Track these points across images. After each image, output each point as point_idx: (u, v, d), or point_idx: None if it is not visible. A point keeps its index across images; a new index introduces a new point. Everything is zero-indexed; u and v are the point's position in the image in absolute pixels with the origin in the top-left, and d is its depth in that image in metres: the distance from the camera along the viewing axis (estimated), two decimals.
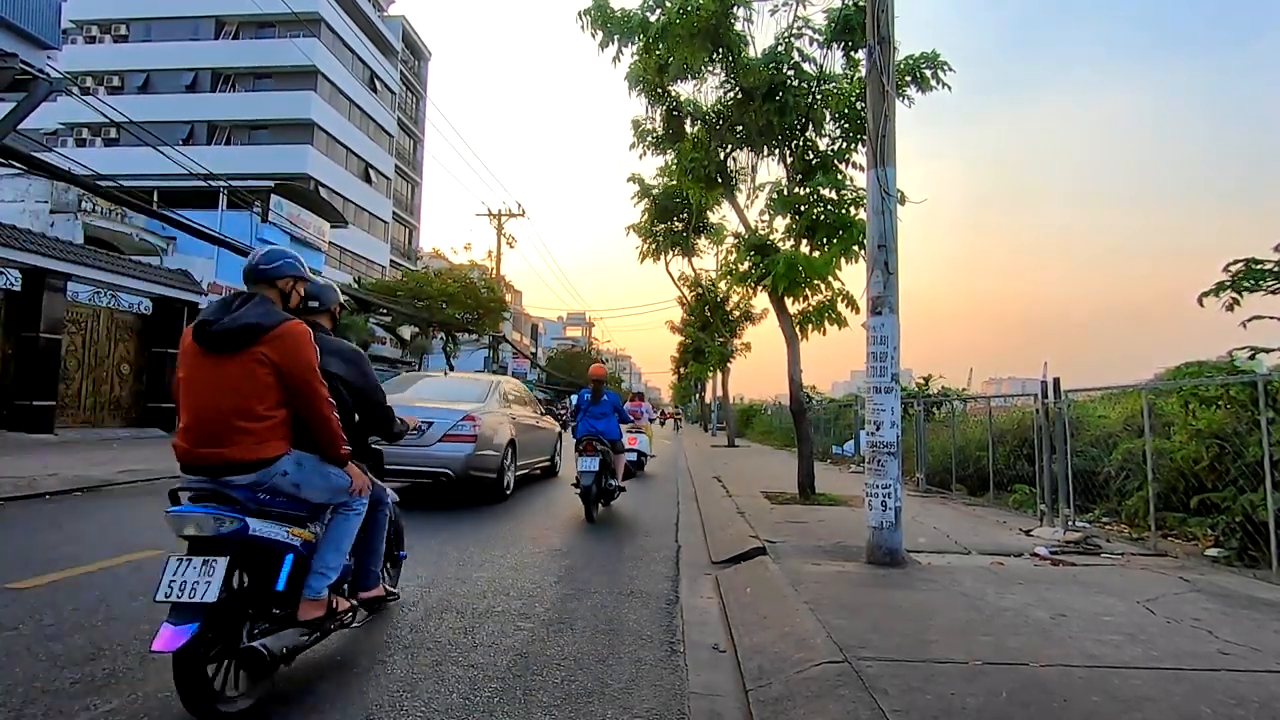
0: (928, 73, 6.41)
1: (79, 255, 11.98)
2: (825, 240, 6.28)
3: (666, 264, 14.68)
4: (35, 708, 1.90)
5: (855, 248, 5.96)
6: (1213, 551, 4.10)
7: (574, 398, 6.06)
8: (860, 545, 3.85)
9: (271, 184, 20.05)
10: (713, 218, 11.53)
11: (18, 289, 10.74)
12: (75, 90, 12.55)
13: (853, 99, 6.50)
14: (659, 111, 7.36)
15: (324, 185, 26.41)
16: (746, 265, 6.70)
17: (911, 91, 6.43)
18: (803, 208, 6.43)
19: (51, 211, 15.58)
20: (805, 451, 6.56)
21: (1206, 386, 4.54)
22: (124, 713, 1.90)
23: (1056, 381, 5.13)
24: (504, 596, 3.27)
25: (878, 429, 3.70)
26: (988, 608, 2.90)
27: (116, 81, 27.17)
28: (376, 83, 32.44)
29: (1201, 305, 4.60)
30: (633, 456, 8.45)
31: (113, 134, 25.10)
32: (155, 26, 27.99)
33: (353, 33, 29.59)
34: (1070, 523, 4.90)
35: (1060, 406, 5.08)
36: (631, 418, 7.34)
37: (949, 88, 6.49)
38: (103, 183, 12.03)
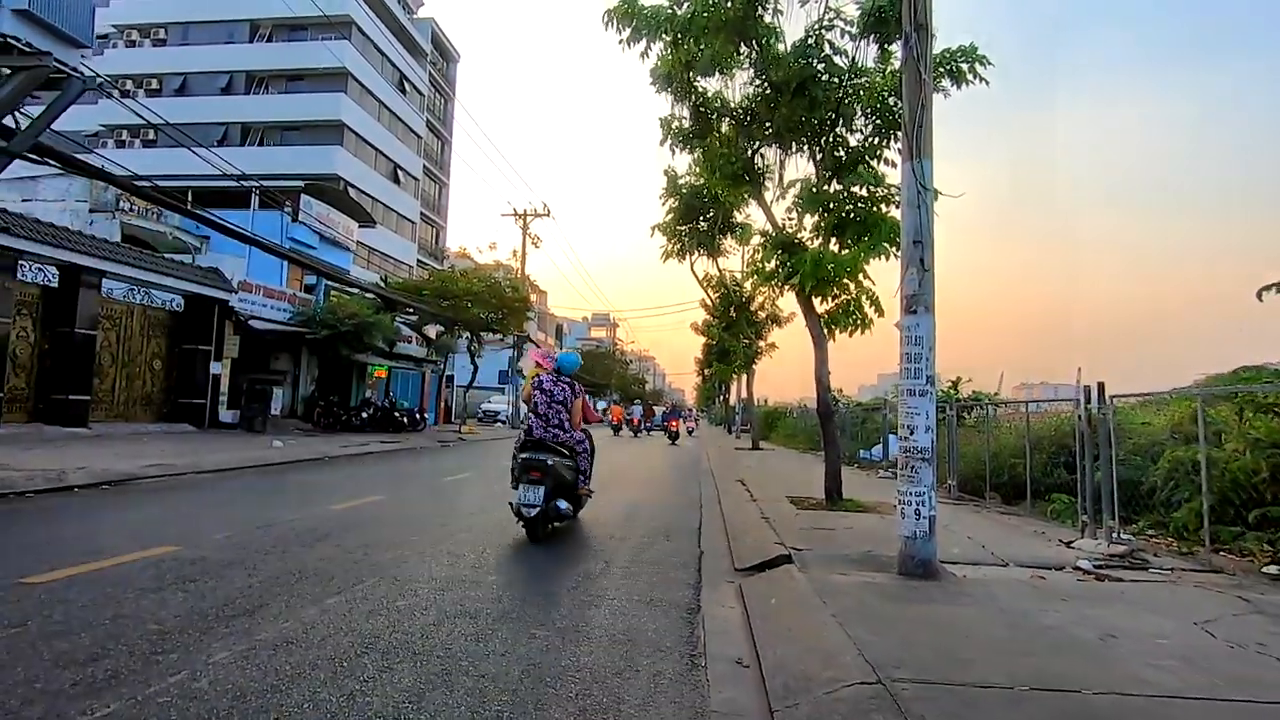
0: (964, 66, 6.19)
1: (114, 253, 12.22)
2: (855, 238, 6.09)
3: (691, 264, 14.57)
4: (32, 710, 1.84)
5: (886, 245, 5.78)
6: (1272, 569, 3.84)
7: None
8: (891, 555, 3.68)
9: (302, 184, 20.31)
10: (738, 217, 11.36)
11: (55, 285, 10.99)
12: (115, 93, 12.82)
13: (885, 94, 6.31)
14: (686, 108, 7.23)
15: (353, 186, 26.71)
16: (774, 264, 6.54)
17: (946, 84, 6.22)
18: (832, 205, 6.25)
19: (91, 210, 15.94)
20: (832, 455, 6.37)
21: (1267, 393, 4.28)
22: (122, 716, 1.83)
23: (1101, 386, 4.88)
24: (519, 602, 3.17)
25: (911, 433, 3.52)
26: (1030, 626, 2.72)
27: (155, 84, 27.82)
28: (405, 84, 32.79)
29: (1260, 299, 4.35)
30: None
31: (150, 136, 25.68)
32: (192, 30, 28.62)
33: (383, 35, 29.93)
34: (1114, 535, 4.65)
35: (1104, 412, 4.83)
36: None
37: (986, 82, 6.27)
38: (139, 183, 12.25)
